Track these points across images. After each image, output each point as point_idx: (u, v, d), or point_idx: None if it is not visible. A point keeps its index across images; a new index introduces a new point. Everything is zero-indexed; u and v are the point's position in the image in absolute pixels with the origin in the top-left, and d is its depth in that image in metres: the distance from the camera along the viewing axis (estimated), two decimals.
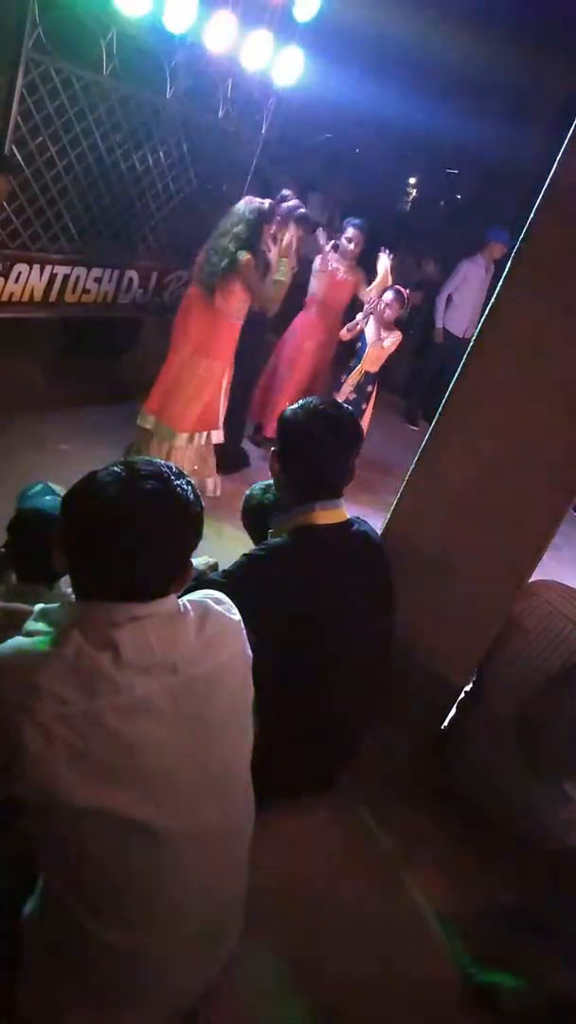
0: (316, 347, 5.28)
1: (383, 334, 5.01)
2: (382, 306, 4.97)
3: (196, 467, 4.31)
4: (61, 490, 2.08)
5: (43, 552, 1.85)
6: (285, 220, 4.55)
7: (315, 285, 5.21)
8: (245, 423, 5.09)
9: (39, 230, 4.20)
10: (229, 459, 4.73)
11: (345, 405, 2.00)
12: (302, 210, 4.72)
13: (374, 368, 5.08)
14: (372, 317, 4.99)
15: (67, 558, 1.20)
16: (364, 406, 5.12)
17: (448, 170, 8.73)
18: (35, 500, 1.99)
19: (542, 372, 1.91)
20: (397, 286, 5.09)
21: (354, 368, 5.11)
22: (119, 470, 1.18)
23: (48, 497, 1.98)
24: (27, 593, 1.85)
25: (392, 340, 5.00)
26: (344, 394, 5.07)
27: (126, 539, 1.15)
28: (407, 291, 5.14)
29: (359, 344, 5.13)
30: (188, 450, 4.24)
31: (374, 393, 5.17)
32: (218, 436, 4.33)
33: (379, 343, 4.99)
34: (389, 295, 5.00)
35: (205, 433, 4.26)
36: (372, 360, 5.05)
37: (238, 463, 4.93)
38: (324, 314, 5.23)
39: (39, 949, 1.28)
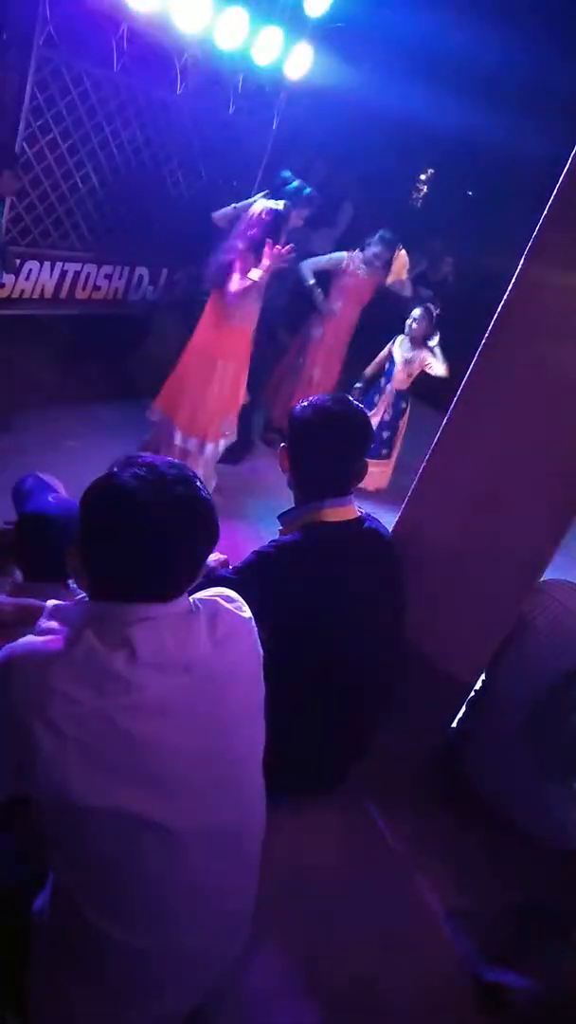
0: (334, 343, 5.30)
1: (411, 353, 5.05)
2: (412, 323, 5.03)
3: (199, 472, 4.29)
4: (51, 479, 2.08)
5: (52, 553, 1.86)
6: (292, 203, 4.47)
7: (336, 284, 5.20)
8: (253, 415, 5.10)
9: (49, 227, 4.21)
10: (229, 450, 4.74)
11: (358, 404, 1.99)
12: (308, 190, 4.64)
13: (403, 387, 5.15)
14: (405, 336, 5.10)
15: (86, 559, 1.19)
16: (400, 422, 5.23)
17: (468, 192, 8.70)
18: (38, 502, 1.98)
19: (555, 371, 1.90)
20: (427, 304, 5.11)
21: (385, 388, 5.16)
22: (144, 473, 1.16)
23: (51, 497, 1.98)
24: (35, 591, 1.85)
25: (421, 359, 5.04)
26: (379, 414, 5.14)
27: (157, 545, 1.15)
28: (436, 308, 5.15)
29: (388, 364, 5.17)
30: (201, 458, 4.24)
31: (407, 410, 5.25)
32: (220, 448, 4.32)
33: (407, 363, 5.06)
34: (417, 312, 5.02)
35: (220, 442, 4.25)
36: (401, 380, 5.12)
37: (241, 453, 4.94)
38: (344, 311, 5.23)
39: (49, 946, 1.28)
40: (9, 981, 1.33)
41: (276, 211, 3.90)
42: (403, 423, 5.26)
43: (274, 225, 3.88)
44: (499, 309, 1.96)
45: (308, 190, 4.62)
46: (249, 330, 4.07)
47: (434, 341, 5.03)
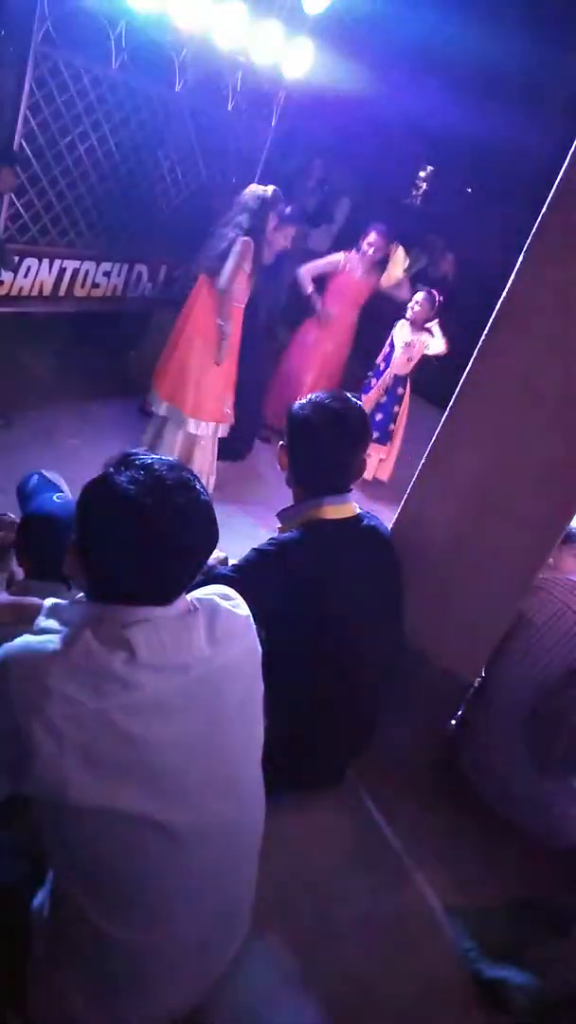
0: (332, 346, 5.28)
1: (411, 337, 5.02)
2: (414, 305, 5.01)
3: (205, 462, 4.31)
4: (56, 477, 2.07)
5: (55, 553, 1.85)
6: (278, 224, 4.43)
7: (331, 285, 5.18)
8: (260, 415, 5.09)
9: (48, 224, 4.20)
10: (231, 447, 4.74)
11: (357, 401, 1.99)
12: (287, 209, 4.58)
13: (403, 371, 5.11)
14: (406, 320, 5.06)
15: (84, 562, 1.18)
16: (396, 408, 5.16)
17: (467, 188, 8.70)
18: (42, 501, 1.97)
19: (555, 367, 1.89)
20: (431, 289, 5.10)
21: (384, 371, 5.13)
22: (141, 476, 1.13)
23: (56, 497, 1.96)
24: (37, 590, 1.85)
25: (421, 343, 5.02)
26: (374, 398, 5.09)
27: (157, 551, 1.14)
28: (438, 294, 5.13)
29: (388, 348, 5.14)
30: (210, 441, 4.23)
31: (406, 395, 5.19)
32: (225, 430, 4.33)
33: (407, 347, 5.03)
34: (420, 295, 5.01)
35: (224, 425, 4.26)
36: (401, 364, 5.08)
37: (240, 451, 4.94)
38: (341, 313, 5.21)
39: (48, 944, 1.27)
40: (8, 979, 1.33)
41: (263, 197, 3.93)
42: (402, 411, 5.20)
43: (261, 211, 3.91)
44: (498, 306, 1.95)
45: (289, 209, 4.58)
46: (240, 310, 4.11)
47: (433, 322, 5.02)
